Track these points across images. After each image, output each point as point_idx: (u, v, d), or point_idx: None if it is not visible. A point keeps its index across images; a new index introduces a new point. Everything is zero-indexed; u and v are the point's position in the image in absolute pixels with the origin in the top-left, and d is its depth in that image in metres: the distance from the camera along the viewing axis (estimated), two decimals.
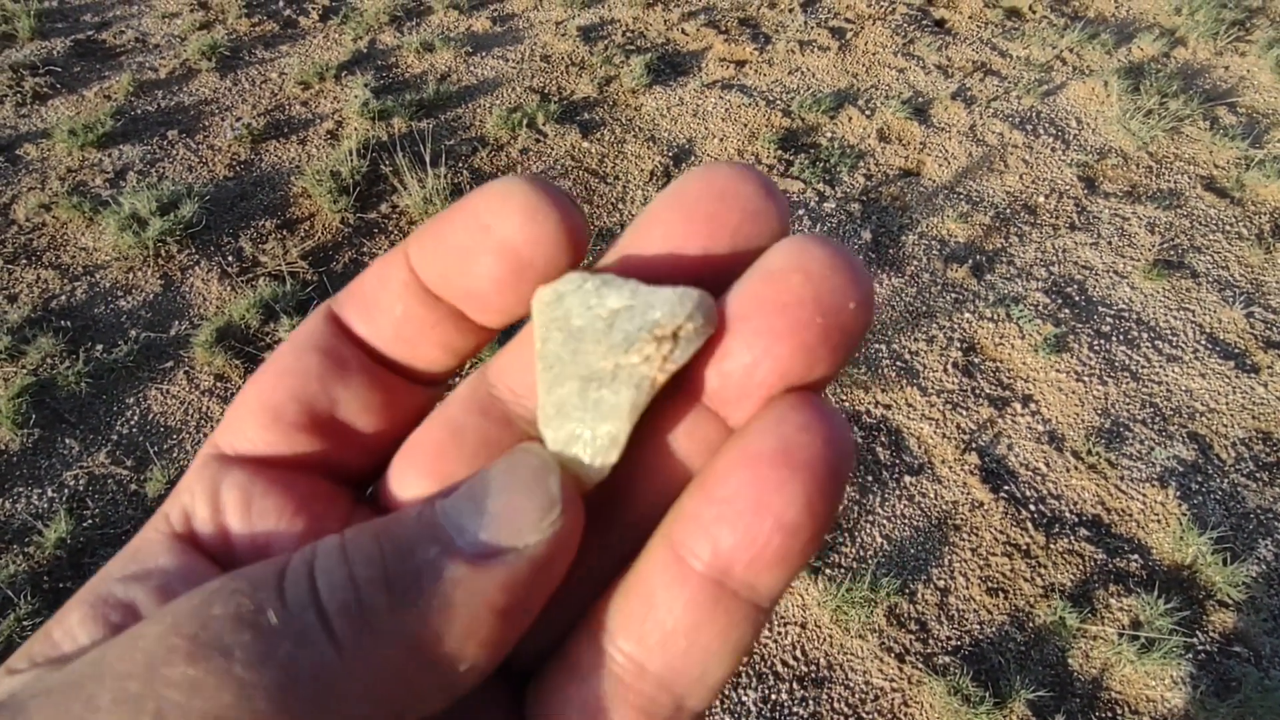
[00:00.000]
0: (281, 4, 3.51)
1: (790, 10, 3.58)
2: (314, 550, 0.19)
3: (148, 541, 0.22)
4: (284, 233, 2.50)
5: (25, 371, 2.07)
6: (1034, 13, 3.67)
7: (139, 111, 2.90)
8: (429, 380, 0.25)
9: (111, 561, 0.22)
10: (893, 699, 1.67)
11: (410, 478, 0.23)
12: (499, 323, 0.23)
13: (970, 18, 3.61)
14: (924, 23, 3.56)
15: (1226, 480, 2.05)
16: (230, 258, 2.42)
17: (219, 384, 2.12)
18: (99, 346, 2.16)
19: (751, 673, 1.69)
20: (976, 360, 2.28)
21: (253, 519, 0.22)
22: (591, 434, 0.20)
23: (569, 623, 0.21)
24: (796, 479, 0.18)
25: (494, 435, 0.23)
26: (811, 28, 3.47)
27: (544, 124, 2.91)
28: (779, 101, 3.07)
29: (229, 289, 2.33)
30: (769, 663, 1.71)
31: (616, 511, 0.22)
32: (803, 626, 1.76)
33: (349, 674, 0.17)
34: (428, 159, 2.64)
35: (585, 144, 2.86)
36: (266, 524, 0.22)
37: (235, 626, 0.16)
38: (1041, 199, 2.78)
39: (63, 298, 2.27)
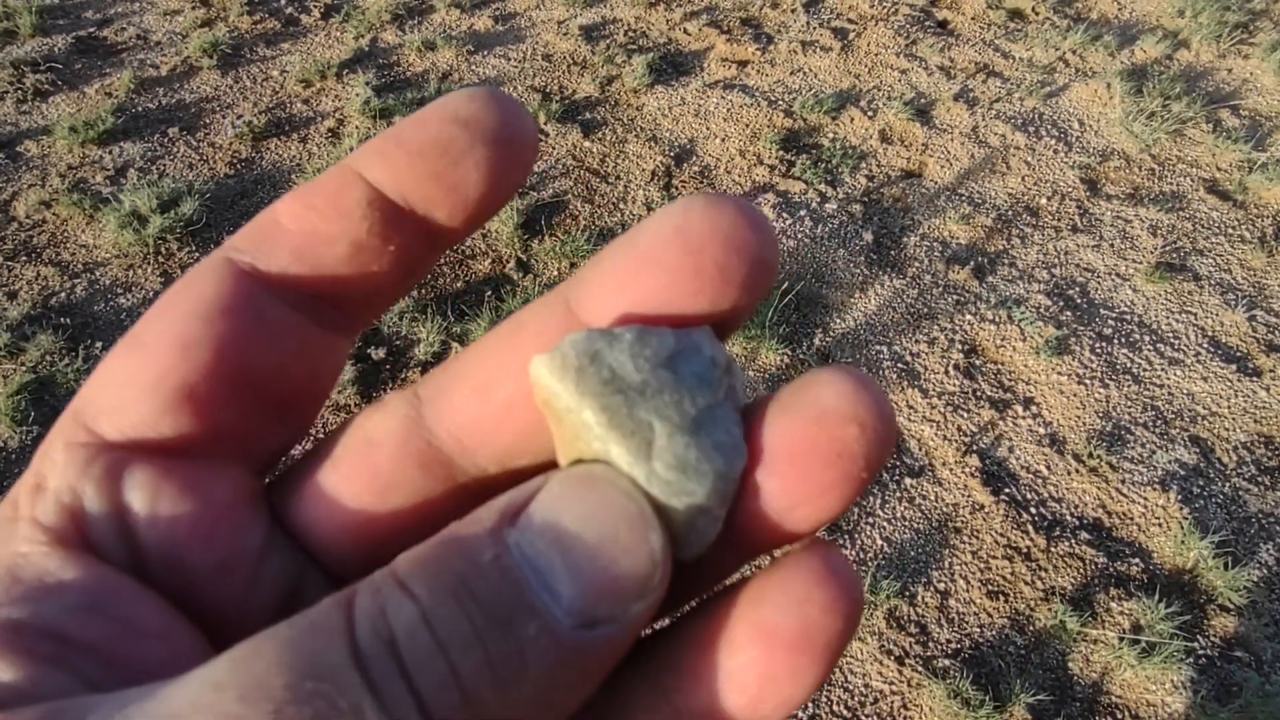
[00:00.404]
0: (283, 2, 3.51)
1: (792, 10, 3.58)
2: (384, 619, 0.15)
3: (23, 557, 0.18)
4: None
5: (24, 369, 2.06)
6: (1036, 14, 3.67)
7: (140, 109, 2.89)
8: (362, 318, 0.22)
9: None
10: (892, 702, 1.66)
11: (339, 525, 0.21)
12: (472, 224, 0.21)
13: (973, 19, 3.61)
14: (926, 24, 3.56)
15: (1228, 484, 2.05)
16: None
17: None
18: (99, 344, 2.16)
19: None
20: (978, 362, 2.28)
21: (166, 521, 0.19)
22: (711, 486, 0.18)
23: None
24: (814, 665, 0.18)
25: (434, 497, 0.21)
26: (814, 28, 3.47)
27: (545, 123, 2.90)
28: (781, 102, 3.06)
29: None
30: None
31: None
32: None
33: None
34: None
35: (586, 143, 2.85)
36: (183, 530, 0.19)
37: None
38: (1044, 201, 2.78)
39: (62, 295, 2.27)
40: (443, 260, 2.45)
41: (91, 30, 3.27)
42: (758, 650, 0.18)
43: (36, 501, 0.19)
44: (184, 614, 0.20)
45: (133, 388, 0.19)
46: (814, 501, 0.18)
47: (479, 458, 0.21)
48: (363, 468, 0.21)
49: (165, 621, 0.19)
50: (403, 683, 0.15)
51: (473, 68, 3.16)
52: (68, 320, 2.20)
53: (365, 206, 0.20)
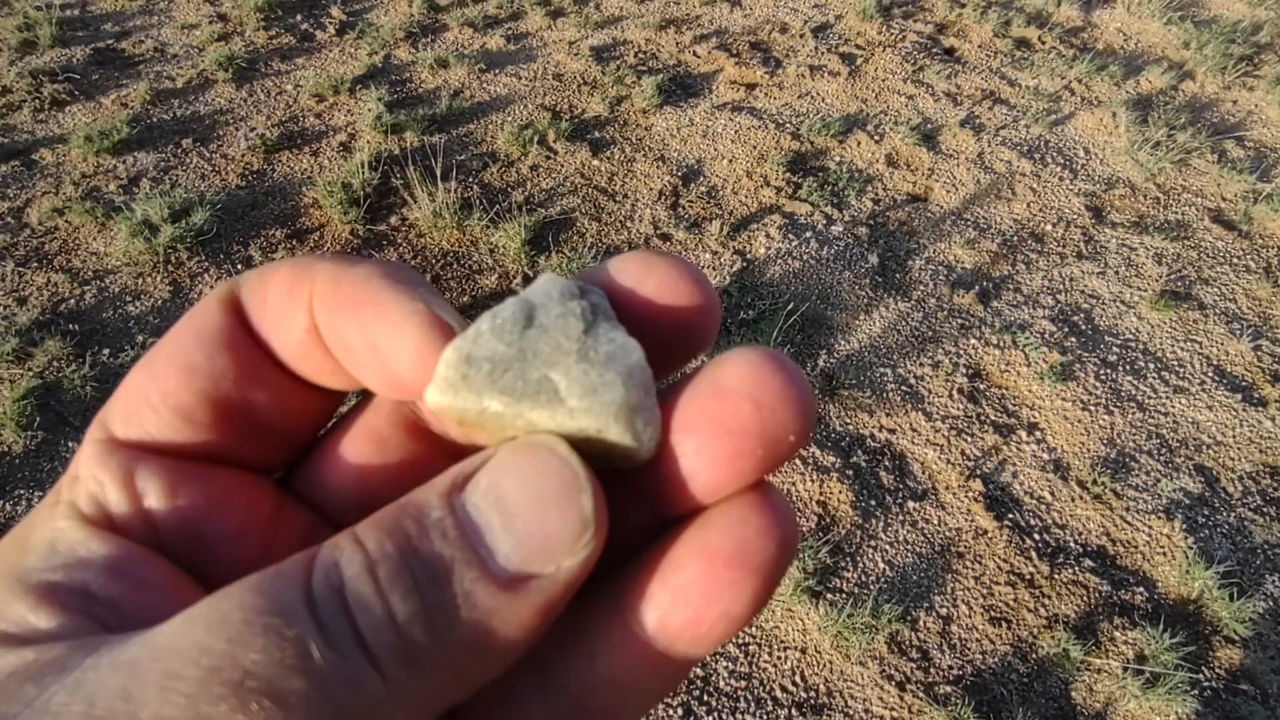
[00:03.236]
0: (299, 18, 3.56)
1: (801, 36, 3.62)
2: (337, 569, 0.18)
3: (61, 531, 0.21)
4: (294, 242, 2.51)
5: (31, 374, 2.07)
6: (1043, 43, 3.70)
7: (155, 120, 2.93)
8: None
9: (14, 553, 0.21)
10: None
11: (343, 481, 0.24)
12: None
13: (980, 46, 3.65)
14: (933, 51, 3.60)
15: (1233, 514, 2.03)
16: (240, 266, 2.43)
17: None
18: (105, 351, 2.17)
19: (750, 698, 1.67)
20: (982, 387, 2.28)
21: (179, 504, 0.22)
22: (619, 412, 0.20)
23: None
24: (749, 579, 0.19)
25: (417, 450, 0.24)
26: (822, 53, 3.51)
27: (554, 141, 2.93)
28: (788, 124, 3.09)
29: None
30: (768, 688, 1.68)
31: None
32: (803, 652, 1.74)
33: (397, 706, 0.17)
34: (438, 173, 2.66)
35: (595, 162, 2.88)
36: (195, 509, 0.22)
37: (284, 672, 0.16)
38: (1049, 227, 2.79)
39: (72, 301, 2.29)
40: (450, 275, 2.46)
41: (110, 42, 3.32)
42: (699, 566, 0.20)
43: (74, 489, 0.22)
44: (198, 578, 0.23)
45: (142, 402, 0.22)
46: (712, 471, 0.20)
47: (448, 425, 0.24)
48: (362, 434, 0.24)
49: (175, 581, 0.22)
50: (344, 620, 0.17)
51: (484, 85, 3.20)
52: (76, 327, 2.21)
53: (305, 333, 0.22)
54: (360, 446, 0.24)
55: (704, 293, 0.21)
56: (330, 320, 0.22)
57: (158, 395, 0.22)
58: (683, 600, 0.20)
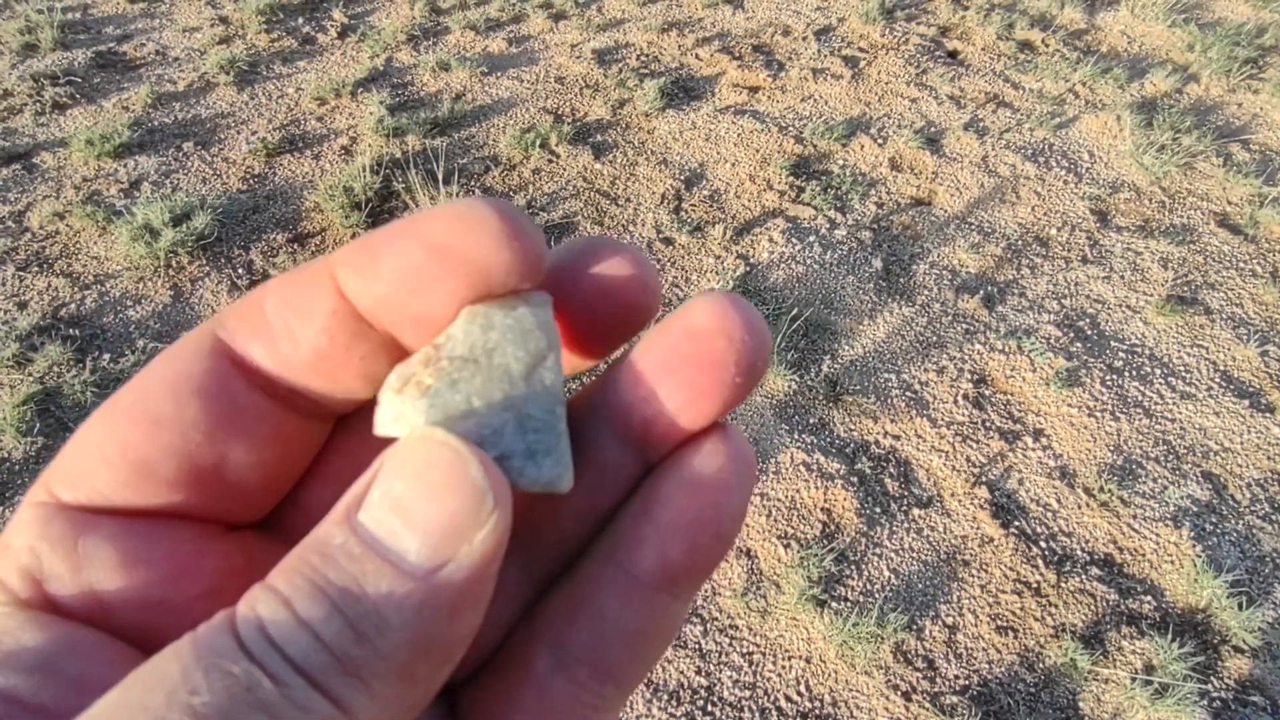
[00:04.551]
0: (301, 21, 3.55)
1: (804, 38, 3.61)
2: (256, 614, 0.17)
3: None
4: (295, 246, 2.50)
5: (31, 379, 2.06)
6: (1046, 46, 3.69)
7: (156, 123, 2.92)
8: (333, 412, 0.23)
9: None
10: None
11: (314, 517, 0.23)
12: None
13: (983, 49, 3.63)
14: (937, 54, 3.58)
15: (1241, 522, 2.02)
16: (241, 270, 2.42)
17: None
18: (106, 355, 2.16)
19: (755, 708, 1.65)
20: (987, 392, 2.26)
21: (134, 575, 0.20)
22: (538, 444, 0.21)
23: (496, 633, 0.23)
24: (728, 501, 0.21)
25: None
26: (824, 56, 3.50)
27: (557, 145, 2.92)
28: (791, 128, 3.08)
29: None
30: (772, 697, 1.67)
31: (540, 534, 0.24)
32: (807, 661, 1.73)
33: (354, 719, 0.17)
34: (440, 177, 2.65)
35: (597, 165, 2.86)
36: (154, 578, 0.20)
37: (237, 707, 0.16)
38: (1053, 231, 2.77)
39: (72, 306, 2.28)
40: None
41: (111, 45, 3.31)
42: (686, 497, 0.21)
43: (2, 562, 0.20)
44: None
45: (96, 458, 0.20)
46: (695, 406, 0.22)
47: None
48: (358, 461, 0.23)
49: (122, 672, 0.19)
50: (277, 653, 0.17)
51: (486, 89, 3.19)
52: (76, 332, 2.20)
53: (329, 316, 0.21)
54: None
55: (644, 271, 0.23)
56: (369, 271, 0.20)
57: (116, 449, 0.20)
58: (677, 533, 0.21)
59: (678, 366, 0.21)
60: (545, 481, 0.20)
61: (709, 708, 1.64)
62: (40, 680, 0.18)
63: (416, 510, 0.18)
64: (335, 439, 0.24)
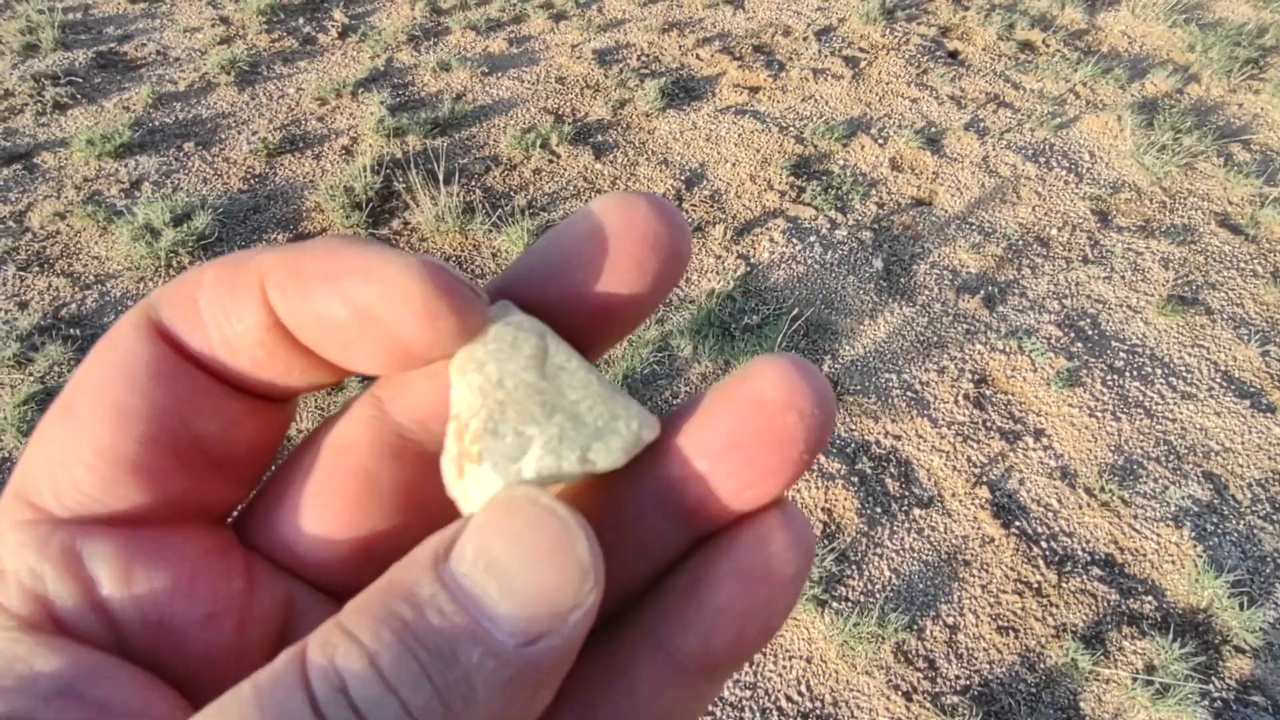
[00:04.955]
0: (301, 21, 3.55)
1: (804, 38, 3.61)
2: (335, 670, 0.16)
3: None
4: None
5: (32, 379, 2.06)
6: (1047, 46, 3.69)
7: (157, 123, 2.92)
8: (288, 395, 0.22)
9: None
10: None
11: (327, 535, 0.22)
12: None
13: (983, 50, 3.63)
14: (937, 54, 3.58)
15: (1242, 522, 2.01)
16: None
17: None
18: None
19: (755, 708, 1.65)
20: (988, 392, 2.26)
21: (138, 589, 0.19)
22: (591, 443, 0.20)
23: None
24: (782, 593, 0.20)
25: (415, 482, 0.22)
26: (825, 56, 3.50)
27: (557, 145, 2.92)
28: (792, 128, 3.08)
29: None
30: (773, 697, 1.67)
31: None
32: (808, 661, 1.72)
33: None
34: (441, 177, 2.65)
35: (598, 165, 2.86)
36: (157, 593, 0.19)
37: None
38: (1054, 231, 2.77)
39: (73, 306, 2.28)
40: None
41: (112, 45, 3.31)
42: (737, 586, 0.20)
43: None
44: (169, 677, 0.19)
45: (73, 462, 0.19)
46: (759, 485, 0.20)
47: (442, 434, 0.22)
48: (342, 472, 0.22)
49: (143, 697, 0.18)
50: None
51: (486, 89, 3.19)
52: (77, 331, 2.20)
53: (263, 330, 0.19)
54: (339, 493, 0.22)
55: (672, 220, 0.21)
56: (298, 304, 0.19)
57: (91, 451, 0.19)
58: (724, 622, 0.20)
59: (744, 444, 0.20)
60: (631, 442, 0.20)
61: (709, 707, 1.64)
62: (61, 707, 0.17)
63: (516, 578, 0.17)
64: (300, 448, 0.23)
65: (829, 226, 2.69)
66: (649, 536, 0.21)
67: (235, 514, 0.23)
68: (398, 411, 0.22)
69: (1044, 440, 2.15)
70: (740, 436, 0.20)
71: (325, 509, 0.22)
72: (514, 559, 0.17)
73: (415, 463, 0.22)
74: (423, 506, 0.22)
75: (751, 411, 0.20)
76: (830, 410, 0.20)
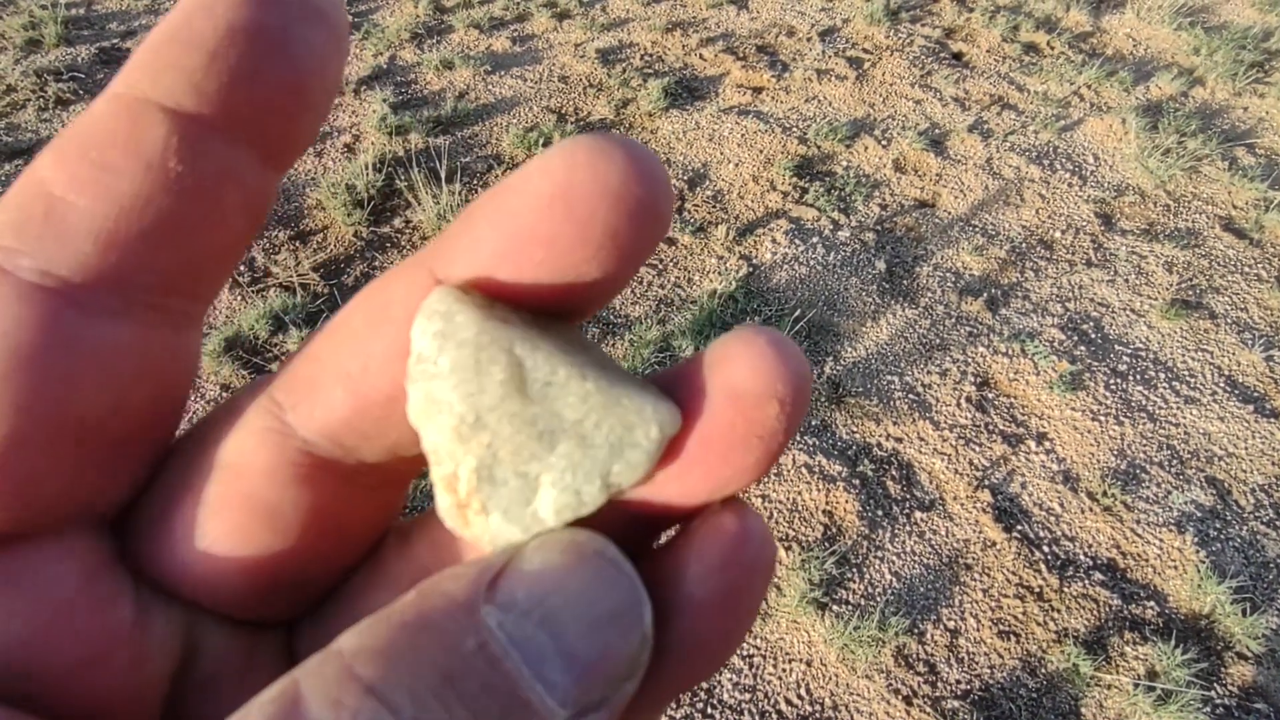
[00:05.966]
0: None
1: (808, 39, 3.60)
2: None
3: None
4: (296, 244, 2.50)
5: None
6: (1052, 48, 3.68)
7: None
8: (202, 285, 0.18)
9: None
10: None
11: (225, 555, 0.18)
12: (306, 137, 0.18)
13: (988, 51, 3.62)
14: (941, 55, 3.58)
15: (1245, 527, 2.00)
16: (241, 267, 2.42)
17: (225, 394, 2.10)
18: None
19: (754, 711, 1.64)
20: (990, 395, 2.25)
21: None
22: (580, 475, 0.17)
23: (346, 566, 0.21)
24: (747, 599, 0.18)
25: (326, 506, 0.19)
26: (829, 57, 3.49)
27: None
28: (795, 129, 3.07)
29: (239, 298, 2.32)
30: (772, 701, 1.66)
31: None
32: (808, 664, 1.72)
33: None
34: (443, 175, 2.64)
35: None
36: (20, 627, 0.16)
37: None
38: (1058, 234, 2.76)
39: None
40: None
41: (115, 41, 3.31)
42: (713, 583, 0.18)
43: None
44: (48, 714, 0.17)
45: None
46: (734, 482, 0.18)
47: (366, 454, 0.18)
48: (235, 499, 0.18)
49: None
50: None
51: (489, 87, 3.18)
52: None
53: (166, 133, 0.15)
54: (237, 517, 0.18)
55: (652, 176, 0.17)
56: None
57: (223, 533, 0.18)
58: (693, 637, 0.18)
59: (720, 440, 0.17)
60: (655, 450, 0.17)
61: (709, 710, 1.63)
62: None
63: (575, 640, 0.15)
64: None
65: (832, 228, 2.68)
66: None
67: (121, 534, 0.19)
68: (301, 423, 0.18)
69: (1046, 444, 2.14)
70: (714, 434, 0.17)
71: (220, 533, 0.18)
72: (573, 618, 0.15)
73: (326, 484, 0.18)
74: (339, 529, 0.19)
75: (727, 405, 0.17)
76: (809, 388, 0.18)
